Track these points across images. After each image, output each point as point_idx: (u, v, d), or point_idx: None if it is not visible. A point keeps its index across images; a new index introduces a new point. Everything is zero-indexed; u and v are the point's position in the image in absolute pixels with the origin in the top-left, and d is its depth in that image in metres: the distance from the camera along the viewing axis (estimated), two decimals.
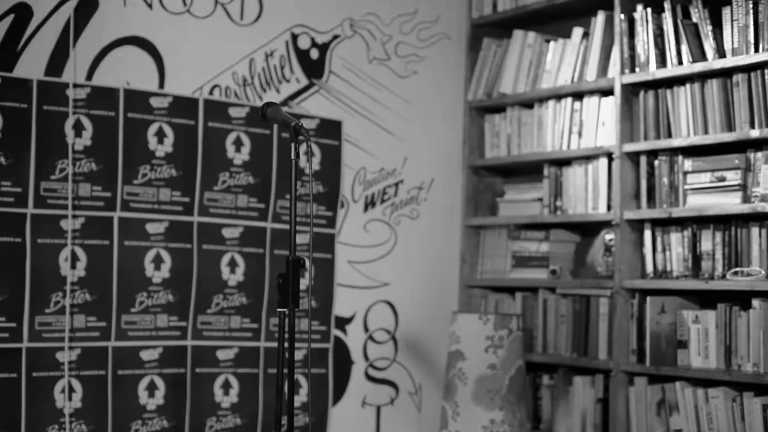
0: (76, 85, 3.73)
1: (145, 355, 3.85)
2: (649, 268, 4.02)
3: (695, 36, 3.88)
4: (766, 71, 3.65)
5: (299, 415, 4.19)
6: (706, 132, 3.84)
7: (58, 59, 3.70)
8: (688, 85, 3.90)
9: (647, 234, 4.04)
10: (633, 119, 4.10)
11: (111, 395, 3.78)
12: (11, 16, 3.63)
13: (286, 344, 3.02)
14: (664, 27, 3.97)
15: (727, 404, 3.69)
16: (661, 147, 3.97)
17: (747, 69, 3.70)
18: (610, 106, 4.18)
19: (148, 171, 3.88)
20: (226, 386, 4.03)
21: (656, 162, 4.01)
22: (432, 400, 4.54)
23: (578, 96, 4.33)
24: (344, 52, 4.37)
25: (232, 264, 4.05)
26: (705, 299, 3.95)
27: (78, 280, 3.72)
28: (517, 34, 4.57)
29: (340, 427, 4.30)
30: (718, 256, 3.80)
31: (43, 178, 3.66)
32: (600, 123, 4.24)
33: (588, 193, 4.26)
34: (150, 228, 3.87)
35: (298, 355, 4.17)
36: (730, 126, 3.77)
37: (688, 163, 3.89)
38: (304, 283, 3.92)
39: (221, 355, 4.02)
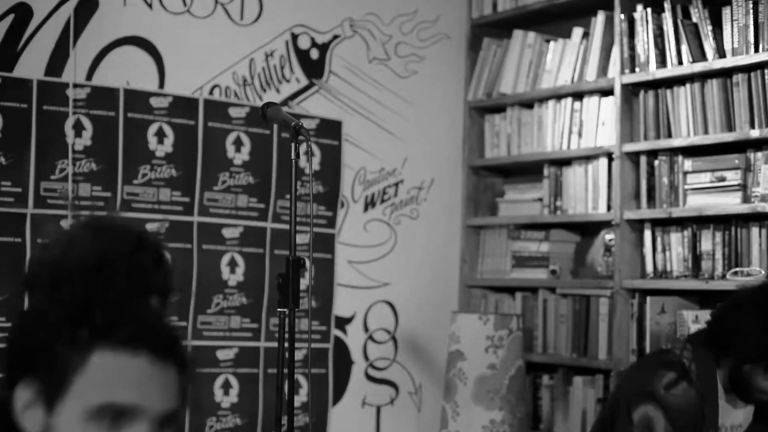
0: (76, 85, 3.73)
1: None
2: (649, 268, 4.02)
3: (695, 36, 3.88)
4: (766, 71, 3.64)
5: (299, 415, 4.18)
6: (706, 132, 3.84)
7: (58, 59, 3.70)
8: (688, 85, 3.90)
9: (647, 234, 4.03)
10: (633, 119, 4.10)
11: None
12: (11, 16, 3.63)
13: (286, 344, 3.02)
14: (664, 27, 3.96)
15: None
16: (661, 147, 3.96)
17: (747, 69, 3.70)
18: (610, 106, 4.18)
19: (148, 171, 3.87)
20: (226, 386, 4.02)
21: (656, 162, 4.00)
22: (432, 400, 4.53)
23: (578, 96, 4.33)
24: (344, 52, 4.37)
25: (232, 264, 4.05)
26: (705, 299, 3.95)
27: None
28: (517, 34, 4.57)
29: (340, 427, 4.29)
30: (718, 256, 3.80)
31: (43, 178, 3.66)
32: (600, 123, 4.24)
33: (588, 193, 4.26)
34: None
35: (298, 355, 4.16)
36: (730, 126, 3.77)
37: (688, 163, 3.88)
38: (304, 283, 3.91)
39: (221, 355, 4.02)
